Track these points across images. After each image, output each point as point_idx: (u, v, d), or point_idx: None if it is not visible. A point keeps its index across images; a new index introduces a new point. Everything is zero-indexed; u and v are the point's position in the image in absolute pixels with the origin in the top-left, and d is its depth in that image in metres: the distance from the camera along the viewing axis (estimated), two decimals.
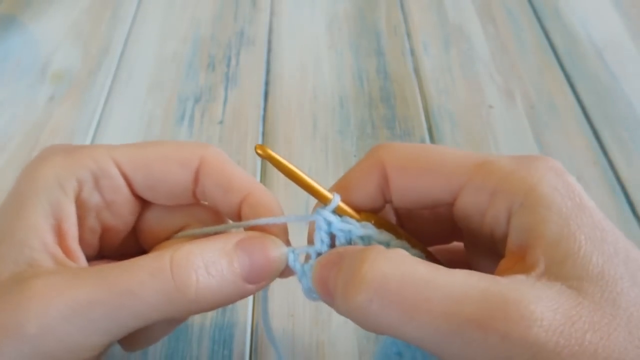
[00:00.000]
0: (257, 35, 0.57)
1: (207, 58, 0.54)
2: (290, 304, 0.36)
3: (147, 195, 0.28)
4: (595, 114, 0.49)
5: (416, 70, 0.53)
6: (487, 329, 0.19)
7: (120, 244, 0.29)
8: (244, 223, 0.26)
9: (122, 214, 0.28)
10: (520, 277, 0.20)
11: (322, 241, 0.25)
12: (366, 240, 0.25)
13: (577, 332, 0.18)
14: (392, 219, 0.28)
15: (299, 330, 0.35)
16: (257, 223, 0.26)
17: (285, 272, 0.26)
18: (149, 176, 0.27)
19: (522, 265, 0.21)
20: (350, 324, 0.26)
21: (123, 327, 0.23)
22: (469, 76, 0.53)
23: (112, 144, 0.27)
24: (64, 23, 0.57)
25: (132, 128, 0.47)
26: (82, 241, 0.26)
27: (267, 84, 0.52)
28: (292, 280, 0.27)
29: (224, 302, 0.24)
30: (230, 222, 0.28)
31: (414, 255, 0.23)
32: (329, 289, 0.23)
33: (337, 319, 0.35)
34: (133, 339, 0.27)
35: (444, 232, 0.28)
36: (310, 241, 0.26)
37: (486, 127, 0.48)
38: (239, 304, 0.36)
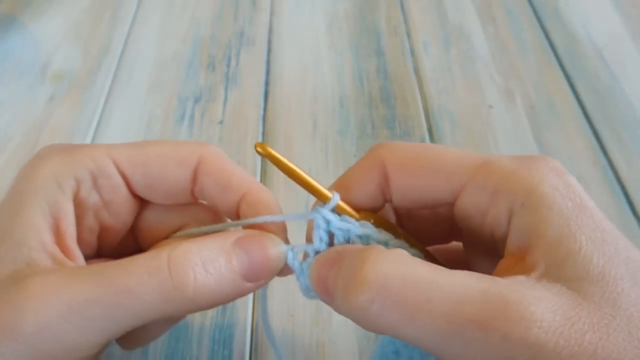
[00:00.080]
0: (257, 35, 0.57)
1: (207, 58, 0.54)
2: (290, 304, 0.36)
3: (145, 195, 0.28)
4: (595, 114, 0.49)
5: (416, 70, 0.53)
6: (487, 329, 0.19)
7: (119, 243, 0.29)
8: (243, 221, 0.26)
9: (121, 213, 0.28)
10: (520, 278, 0.20)
11: (320, 239, 0.25)
12: (365, 239, 0.25)
13: (576, 333, 0.18)
14: (392, 218, 0.28)
15: (299, 330, 0.35)
16: (255, 221, 0.26)
17: (284, 270, 0.26)
18: (147, 175, 0.27)
19: (522, 265, 0.21)
20: (350, 324, 0.26)
21: (121, 325, 0.23)
22: (469, 76, 0.53)
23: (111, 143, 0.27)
24: (64, 23, 0.57)
25: (132, 128, 0.47)
26: (80, 240, 0.26)
27: (267, 84, 0.52)
28: (292, 280, 0.27)
29: (222, 300, 0.24)
30: (229, 221, 0.28)
31: (413, 254, 0.23)
32: (327, 288, 0.23)
33: (337, 319, 0.35)
34: (131, 338, 0.27)
35: (443, 231, 0.28)
36: (309, 239, 0.26)
37: (486, 127, 0.48)
38: (239, 303, 0.36)
